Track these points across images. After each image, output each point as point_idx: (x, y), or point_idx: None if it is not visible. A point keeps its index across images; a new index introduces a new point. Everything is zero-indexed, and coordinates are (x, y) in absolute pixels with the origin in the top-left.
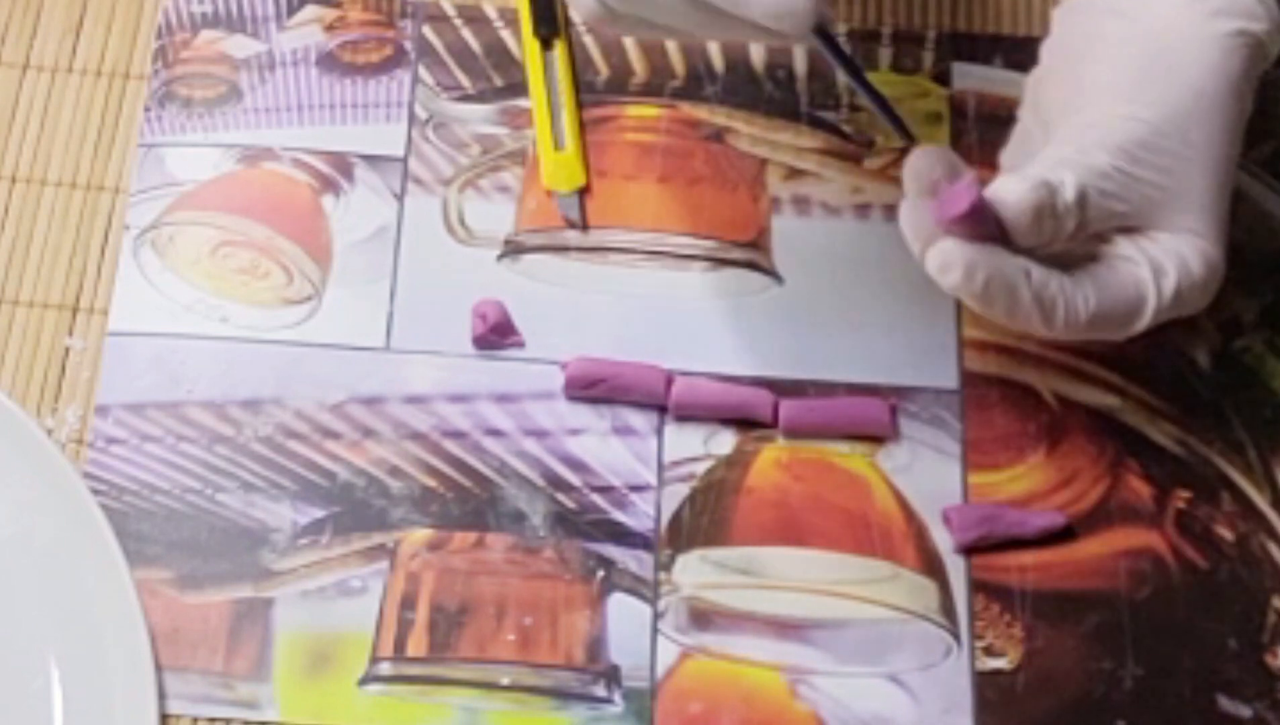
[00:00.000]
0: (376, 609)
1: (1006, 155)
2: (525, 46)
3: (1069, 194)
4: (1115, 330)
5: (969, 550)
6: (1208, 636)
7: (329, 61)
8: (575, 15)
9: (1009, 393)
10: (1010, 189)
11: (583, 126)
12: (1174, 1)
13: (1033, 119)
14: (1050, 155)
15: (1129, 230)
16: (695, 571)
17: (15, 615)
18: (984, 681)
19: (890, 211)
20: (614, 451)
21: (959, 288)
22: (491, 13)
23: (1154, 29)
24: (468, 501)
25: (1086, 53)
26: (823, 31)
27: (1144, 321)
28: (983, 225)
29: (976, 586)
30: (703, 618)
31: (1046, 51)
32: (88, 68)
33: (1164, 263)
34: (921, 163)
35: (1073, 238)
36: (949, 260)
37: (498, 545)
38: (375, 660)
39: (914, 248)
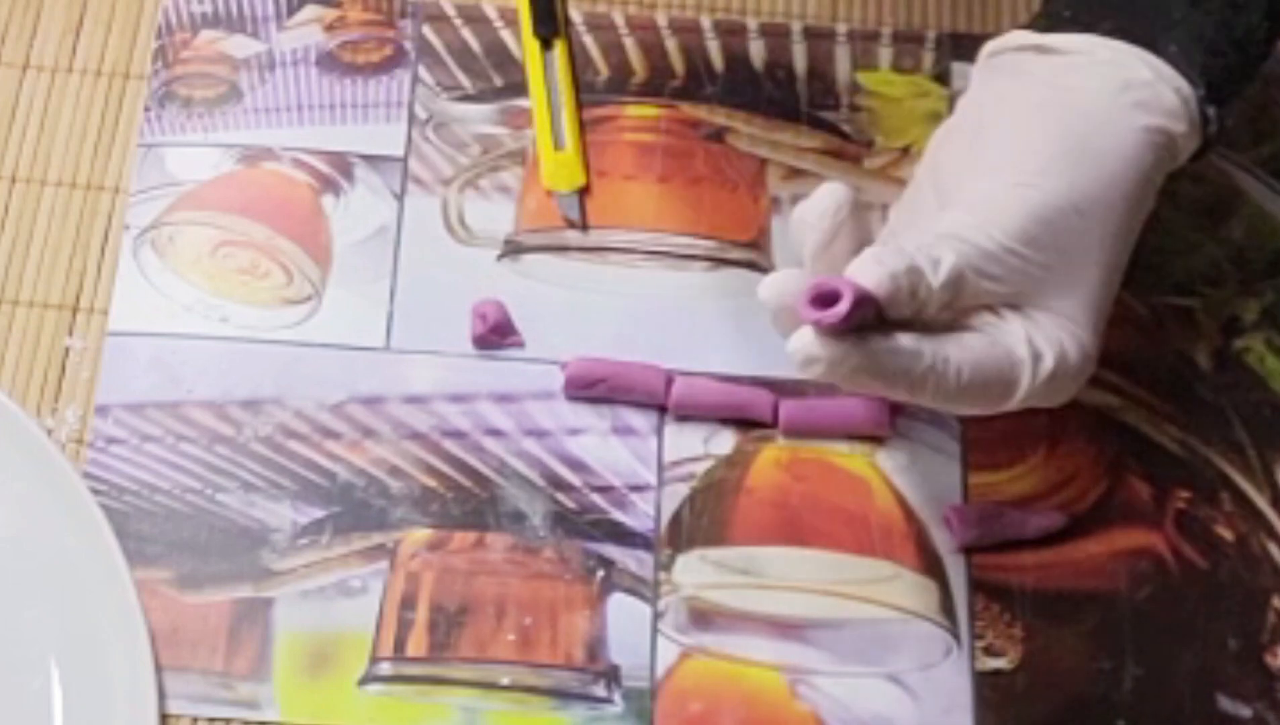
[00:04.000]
0: (376, 609)
1: (894, 211)
2: (525, 46)
3: (942, 274)
4: (984, 406)
5: (969, 550)
6: (1208, 636)
7: (329, 61)
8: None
9: None
10: (868, 273)
11: (583, 126)
12: (1100, 85)
13: (928, 179)
14: (938, 227)
15: (1012, 304)
16: (695, 571)
17: (15, 615)
18: (984, 681)
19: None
20: (614, 451)
21: (824, 378)
22: (491, 13)
23: (1074, 106)
24: (468, 501)
25: (998, 117)
26: None
27: (1013, 402)
28: (859, 319)
29: (976, 586)
30: (703, 618)
31: (959, 108)
32: (88, 68)
33: (1042, 347)
34: (786, 284)
35: (948, 308)
36: (811, 354)
37: (498, 545)
38: (375, 660)
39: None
